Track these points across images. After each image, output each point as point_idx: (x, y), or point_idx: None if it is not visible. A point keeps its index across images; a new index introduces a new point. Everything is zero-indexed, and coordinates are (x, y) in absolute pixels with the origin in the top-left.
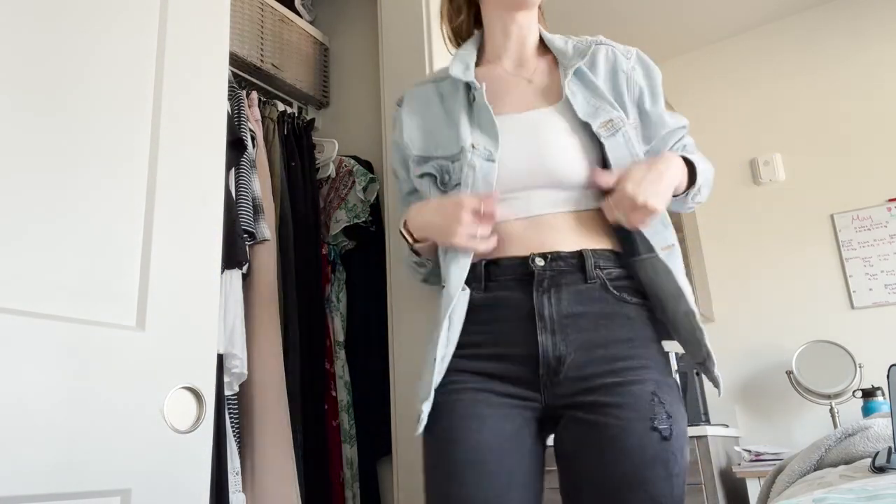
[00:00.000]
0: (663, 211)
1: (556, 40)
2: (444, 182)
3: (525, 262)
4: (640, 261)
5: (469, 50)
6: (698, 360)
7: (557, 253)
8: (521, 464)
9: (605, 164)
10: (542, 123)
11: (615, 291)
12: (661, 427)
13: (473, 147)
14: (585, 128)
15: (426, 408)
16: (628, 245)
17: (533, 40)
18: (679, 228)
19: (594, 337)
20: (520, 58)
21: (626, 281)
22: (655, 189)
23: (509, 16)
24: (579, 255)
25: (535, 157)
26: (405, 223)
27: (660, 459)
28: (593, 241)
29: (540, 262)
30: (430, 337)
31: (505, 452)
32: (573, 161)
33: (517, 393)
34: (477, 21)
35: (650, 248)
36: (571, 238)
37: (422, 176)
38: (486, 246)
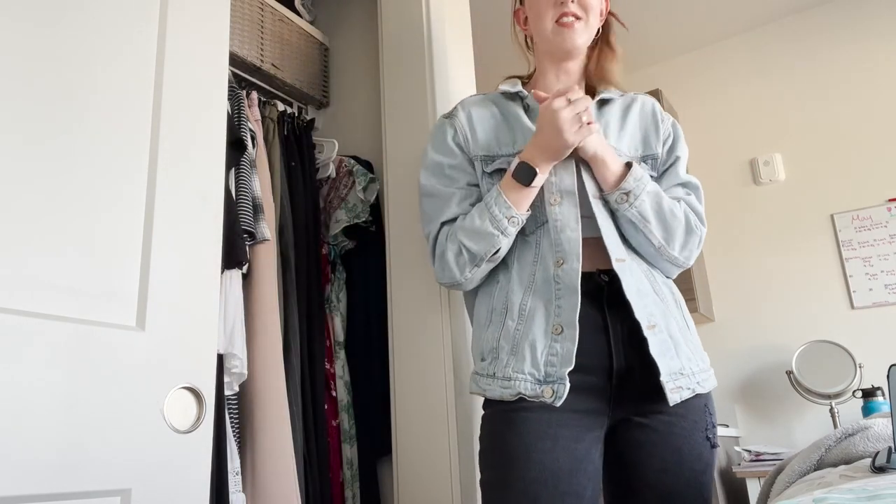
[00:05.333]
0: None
1: (608, 92)
2: None
3: (591, 277)
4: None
5: (515, 81)
6: None
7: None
8: (589, 486)
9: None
10: None
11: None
12: (710, 436)
13: None
14: None
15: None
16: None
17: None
18: None
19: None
20: None
21: None
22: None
23: (558, 65)
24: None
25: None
26: (502, 191)
27: (710, 465)
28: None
29: (605, 277)
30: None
31: (575, 473)
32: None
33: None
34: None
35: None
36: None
37: (492, 174)
38: (596, 127)
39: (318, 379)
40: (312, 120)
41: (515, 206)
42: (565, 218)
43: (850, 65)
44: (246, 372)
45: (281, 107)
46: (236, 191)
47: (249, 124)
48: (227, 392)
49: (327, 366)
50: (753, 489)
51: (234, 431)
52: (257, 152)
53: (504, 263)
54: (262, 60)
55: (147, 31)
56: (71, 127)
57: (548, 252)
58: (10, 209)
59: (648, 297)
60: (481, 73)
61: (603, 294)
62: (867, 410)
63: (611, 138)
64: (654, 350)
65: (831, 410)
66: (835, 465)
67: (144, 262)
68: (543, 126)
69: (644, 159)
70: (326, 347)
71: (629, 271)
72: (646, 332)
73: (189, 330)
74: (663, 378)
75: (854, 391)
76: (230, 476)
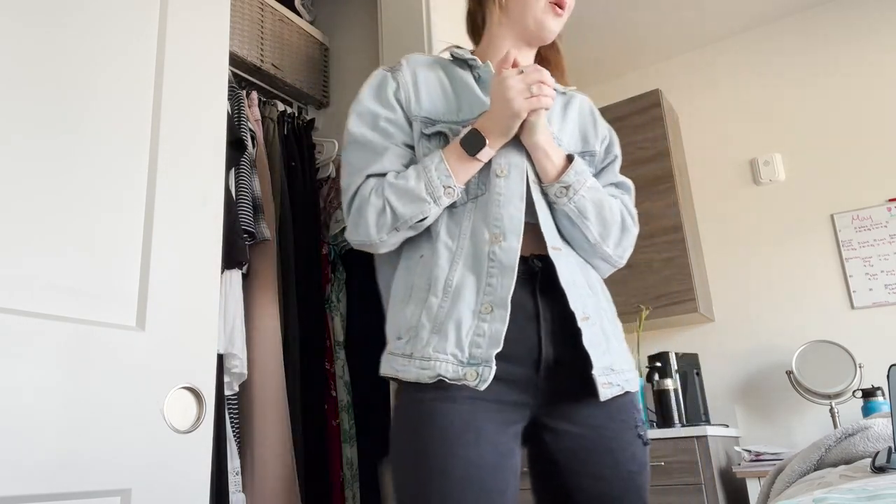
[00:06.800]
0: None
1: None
2: None
3: (525, 261)
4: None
5: (465, 51)
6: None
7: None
8: (511, 482)
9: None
10: None
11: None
12: (641, 433)
13: None
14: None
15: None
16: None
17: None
18: (679, 228)
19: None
20: None
21: None
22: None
23: (521, 48)
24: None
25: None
26: (445, 154)
27: (645, 466)
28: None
29: (539, 263)
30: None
31: (500, 469)
32: None
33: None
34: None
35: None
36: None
37: (431, 136)
38: (549, 99)
39: (317, 379)
40: (312, 120)
41: (455, 175)
42: (510, 192)
43: (850, 65)
44: (246, 372)
45: (281, 107)
46: (236, 191)
47: (249, 124)
48: (227, 392)
49: (327, 366)
50: (753, 489)
51: (234, 431)
52: (257, 152)
53: (429, 236)
54: (262, 60)
55: (147, 31)
56: (71, 127)
57: (481, 226)
58: (10, 209)
59: (582, 288)
60: None
61: (536, 280)
62: (867, 410)
63: (552, 128)
64: (588, 342)
65: (831, 410)
66: (835, 465)
67: (144, 263)
68: (494, 96)
69: (583, 155)
70: (326, 347)
71: (564, 260)
72: (580, 323)
73: (189, 330)
74: (595, 371)
75: (854, 391)
76: (230, 476)
